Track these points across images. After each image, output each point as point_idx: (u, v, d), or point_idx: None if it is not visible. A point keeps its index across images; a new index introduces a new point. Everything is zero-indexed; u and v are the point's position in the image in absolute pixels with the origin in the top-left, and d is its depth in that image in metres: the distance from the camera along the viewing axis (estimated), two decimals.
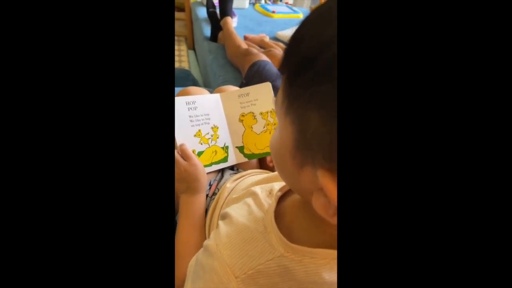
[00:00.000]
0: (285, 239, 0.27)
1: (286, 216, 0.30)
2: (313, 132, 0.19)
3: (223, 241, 0.31)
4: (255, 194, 0.37)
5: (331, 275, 0.26)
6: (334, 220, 0.20)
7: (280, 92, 0.23)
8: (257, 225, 0.30)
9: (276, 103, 0.24)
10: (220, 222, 0.35)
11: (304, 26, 0.20)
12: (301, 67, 0.19)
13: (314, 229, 0.27)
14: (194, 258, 0.35)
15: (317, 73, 0.18)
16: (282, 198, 0.32)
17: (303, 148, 0.21)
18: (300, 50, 0.19)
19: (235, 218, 0.33)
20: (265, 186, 0.38)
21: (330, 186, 0.19)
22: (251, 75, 1.09)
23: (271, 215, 0.30)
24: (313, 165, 0.20)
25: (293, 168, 0.23)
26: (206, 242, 0.33)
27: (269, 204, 0.33)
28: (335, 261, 0.25)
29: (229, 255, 0.29)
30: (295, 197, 0.32)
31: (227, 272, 0.28)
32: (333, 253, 0.25)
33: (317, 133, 0.19)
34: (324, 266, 0.26)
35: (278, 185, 0.36)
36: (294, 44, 0.20)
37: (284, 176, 0.27)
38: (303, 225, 0.29)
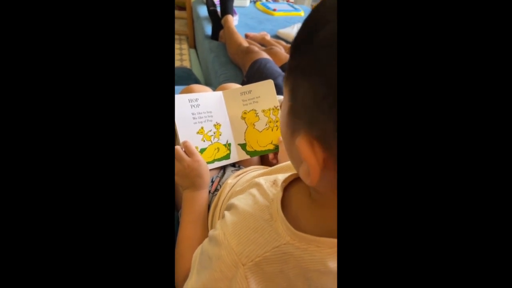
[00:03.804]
0: (291, 227, 0.27)
1: (292, 205, 0.31)
2: (302, 98, 0.22)
3: (229, 230, 0.31)
4: (259, 185, 0.37)
5: (336, 264, 0.26)
6: (309, 182, 0.23)
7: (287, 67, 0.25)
8: (263, 214, 0.31)
9: (284, 76, 0.26)
10: (226, 212, 0.35)
11: (310, 14, 0.23)
12: (298, 44, 0.23)
13: (318, 218, 0.28)
14: (198, 249, 0.35)
15: (306, 49, 0.21)
16: (287, 188, 0.33)
17: (294, 115, 0.24)
18: (300, 33, 0.23)
19: (240, 207, 0.34)
20: (268, 177, 0.39)
21: (302, 146, 0.22)
22: (252, 73, 1.10)
23: (278, 203, 0.30)
24: (299, 132, 0.23)
25: (287, 138, 0.26)
26: (212, 232, 0.33)
27: (273, 193, 0.33)
28: None
29: (236, 243, 0.29)
30: (300, 186, 0.32)
31: (234, 260, 0.28)
32: None
33: (304, 99, 0.22)
34: (330, 255, 0.26)
35: (282, 176, 0.36)
36: (299, 29, 0.23)
37: (287, 150, 0.29)
38: (308, 213, 0.29)
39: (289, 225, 0.28)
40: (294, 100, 0.24)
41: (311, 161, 0.21)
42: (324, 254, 0.26)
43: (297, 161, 0.26)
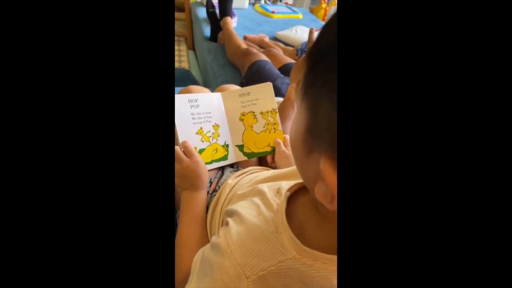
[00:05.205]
0: (297, 241, 0.27)
1: (297, 216, 0.30)
2: (323, 117, 0.20)
3: (234, 240, 0.30)
4: (262, 194, 0.36)
5: None
6: (331, 207, 0.21)
7: (301, 79, 0.24)
8: (268, 226, 0.30)
9: (296, 89, 0.25)
10: (230, 220, 0.35)
11: (330, 22, 0.21)
12: (321, 55, 0.21)
13: (325, 232, 0.27)
14: (199, 254, 0.35)
15: (333, 62, 0.19)
16: (291, 197, 0.32)
17: (312, 134, 0.22)
18: (322, 41, 0.21)
19: (245, 217, 0.33)
20: (272, 185, 0.38)
21: (328, 172, 0.20)
22: (250, 75, 1.10)
23: (282, 215, 0.29)
24: (319, 152, 0.21)
25: (302, 155, 0.24)
26: (214, 239, 0.33)
27: (277, 203, 0.32)
28: None
29: (240, 254, 0.29)
30: (305, 197, 0.32)
31: (238, 272, 0.28)
32: None
33: (326, 119, 0.20)
34: (335, 272, 0.25)
35: (286, 184, 0.36)
36: (319, 36, 0.22)
37: (296, 164, 0.28)
38: (314, 226, 0.28)
39: (295, 238, 0.27)
40: (314, 117, 0.22)
41: (333, 181, 0.20)
42: (330, 272, 0.25)
43: (311, 180, 0.24)
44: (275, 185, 0.38)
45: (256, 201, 0.36)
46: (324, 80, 0.20)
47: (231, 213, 0.36)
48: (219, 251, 0.30)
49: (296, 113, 0.26)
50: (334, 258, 0.25)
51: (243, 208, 0.35)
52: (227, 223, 0.34)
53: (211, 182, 0.59)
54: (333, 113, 0.19)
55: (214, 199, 0.54)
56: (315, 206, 0.29)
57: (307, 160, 0.23)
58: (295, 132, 0.25)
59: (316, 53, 0.21)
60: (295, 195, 0.33)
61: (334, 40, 0.19)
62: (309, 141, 0.23)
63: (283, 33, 1.58)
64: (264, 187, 0.38)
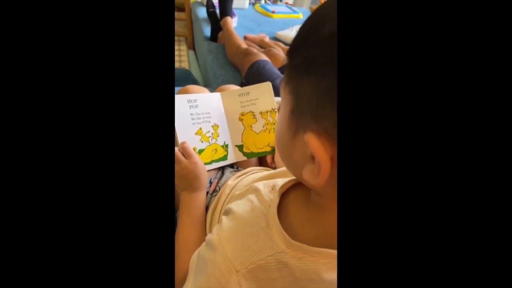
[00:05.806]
0: (287, 236, 0.27)
1: (289, 212, 0.31)
2: (304, 94, 0.22)
3: (225, 235, 0.31)
4: (257, 190, 0.37)
5: (331, 275, 0.26)
6: (321, 182, 0.22)
7: (286, 68, 0.25)
8: (259, 220, 0.31)
9: (281, 82, 0.26)
10: (223, 217, 0.35)
11: (308, 19, 0.23)
12: (300, 41, 0.23)
13: (316, 224, 0.28)
14: (196, 253, 0.35)
15: (310, 45, 0.21)
16: (285, 194, 0.33)
17: (296, 114, 0.24)
18: (301, 30, 0.23)
19: (237, 213, 0.34)
20: (267, 182, 0.39)
21: (314, 142, 0.21)
22: (251, 75, 1.10)
23: (274, 210, 0.30)
24: (303, 129, 0.22)
25: (288, 142, 0.25)
26: (208, 237, 0.33)
27: (271, 199, 0.33)
28: (336, 261, 0.26)
29: (231, 249, 0.29)
30: (298, 193, 0.32)
31: (228, 267, 0.28)
32: (335, 253, 0.26)
33: (307, 95, 0.22)
34: (325, 265, 0.26)
35: (281, 181, 0.36)
36: (299, 30, 0.24)
37: (283, 156, 0.28)
38: (305, 221, 0.29)
39: (284, 233, 0.27)
40: (296, 99, 0.23)
41: (322, 155, 0.21)
42: (319, 265, 0.26)
43: (298, 165, 0.25)
44: (270, 182, 0.39)
45: (250, 197, 0.36)
46: (300, 61, 0.22)
47: (227, 212, 0.37)
48: (212, 248, 0.31)
49: (281, 104, 0.27)
50: (322, 251, 0.26)
51: (237, 205, 0.36)
52: (221, 221, 0.35)
53: (211, 182, 0.59)
54: (312, 87, 0.21)
55: (215, 199, 0.54)
56: (307, 199, 0.29)
57: (294, 143, 0.24)
58: (281, 121, 0.26)
59: (294, 44, 0.23)
60: (289, 192, 0.33)
61: (308, 31, 0.22)
62: (294, 122, 0.24)
63: (283, 33, 1.58)
64: (260, 184, 0.38)
